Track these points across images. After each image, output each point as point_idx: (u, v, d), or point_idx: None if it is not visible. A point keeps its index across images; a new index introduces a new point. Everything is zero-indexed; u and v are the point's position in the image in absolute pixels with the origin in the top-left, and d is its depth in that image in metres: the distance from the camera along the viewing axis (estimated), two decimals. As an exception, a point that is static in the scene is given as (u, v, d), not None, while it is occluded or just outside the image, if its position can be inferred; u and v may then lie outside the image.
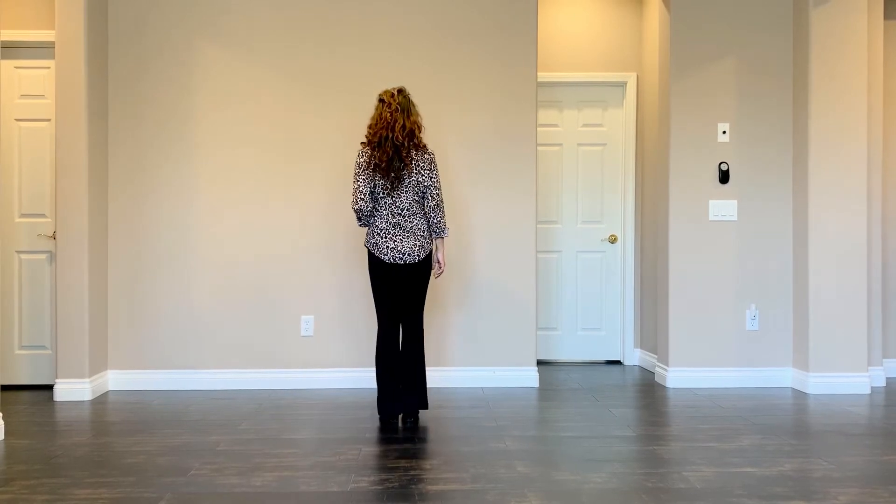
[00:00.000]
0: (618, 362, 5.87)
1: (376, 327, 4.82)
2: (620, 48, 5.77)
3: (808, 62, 4.72)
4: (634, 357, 5.81)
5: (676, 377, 4.88)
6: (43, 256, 4.80)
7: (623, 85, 5.80)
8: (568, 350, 5.87)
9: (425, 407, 3.94)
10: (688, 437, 3.63)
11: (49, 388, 4.75)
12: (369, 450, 3.41)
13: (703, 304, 4.89)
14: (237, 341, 4.82)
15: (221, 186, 4.82)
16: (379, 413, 3.89)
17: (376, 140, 3.74)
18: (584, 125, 5.84)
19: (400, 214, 3.79)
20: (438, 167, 4.84)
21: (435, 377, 4.86)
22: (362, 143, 3.81)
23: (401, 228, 3.80)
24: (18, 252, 4.80)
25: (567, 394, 4.69)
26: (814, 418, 4.05)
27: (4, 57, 4.71)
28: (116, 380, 4.79)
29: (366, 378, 4.82)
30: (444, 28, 4.88)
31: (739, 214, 4.89)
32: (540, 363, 5.71)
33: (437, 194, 3.82)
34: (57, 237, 4.52)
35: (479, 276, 4.89)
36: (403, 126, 3.74)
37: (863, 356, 4.71)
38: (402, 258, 3.81)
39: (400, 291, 3.89)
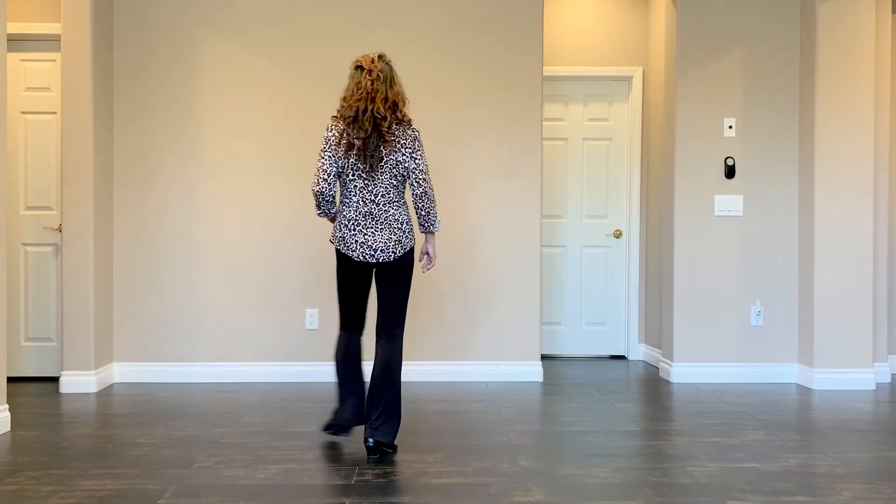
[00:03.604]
0: (622, 357, 5.86)
1: (369, 321, 4.83)
2: (626, 42, 5.75)
3: (814, 56, 4.69)
4: (639, 352, 5.81)
5: (681, 372, 4.88)
6: (48, 249, 4.81)
7: (629, 79, 5.78)
8: (572, 345, 5.87)
9: (391, 441, 3.23)
10: (692, 433, 3.63)
11: (55, 380, 4.77)
12: (373, 443, 3.42)
13: (707, 300, 4.88)
14: (242, 334, 4.83)
15: (226, 178, 4.83)
16: (334, 421, 3.42)
17: (352, 114, 3.14)
18: (590, 119, 5.82)
19: (373, 202, 3.19)
20: (446, 163, 4.84)
21: (439, 371, 4.86)
22: (333, 116, 3.23)
23: (373, 219, 3.20)
24: (24, 244, 4.81)
25: (571, 388, 4.69)
26: (818, 414, 4.04)
27: (10, 50, 4.72)
28: (121, 372, 4.80)
29: (369, 372, 4.81)
30: (449, 20, 4.86)
31: (745, 210, 4.88)
32: (544, 358, 5.71)
33: (425, 179, 3.20)
34: (62, 229, 4.53)
35: (483, 270, 4.89)
36: (386, 97, 3.15)
37: (868, 352, 4.70)
38: (373, 255, 3.21)
39: (368, 292, 3.36)
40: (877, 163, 4.88)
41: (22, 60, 4.78)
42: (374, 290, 3.38)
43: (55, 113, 4.79)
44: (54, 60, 4.77)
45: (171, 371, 4.81)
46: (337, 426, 3.41)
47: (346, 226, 3.23)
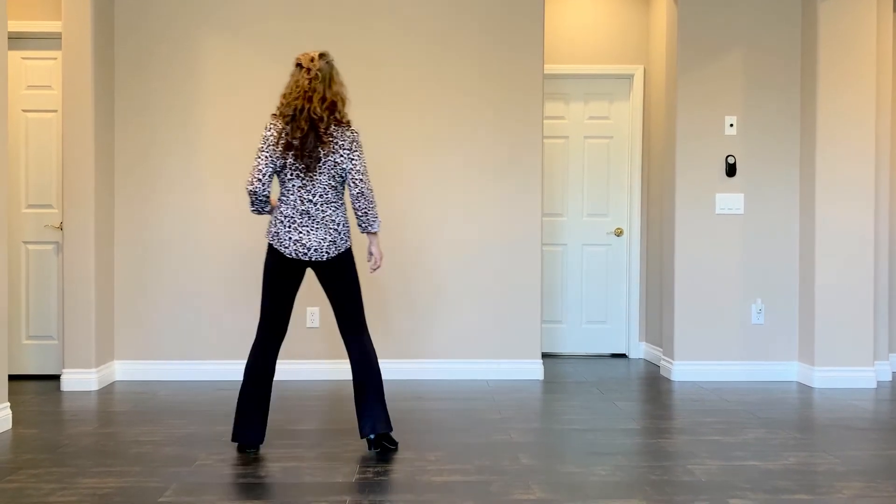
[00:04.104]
0: (623, 355, 5.87)
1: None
2: (627, 40, 5.75)
3: (815, 55, 4.69)
4: (639, 350, 5.81)
5: (681, 370, 4.88)
6: (50, 247, 4.82)
7: (630, 77, 5.78)
8: (573, 343, 5.87)
9: (390, 429, 3.28)
10: (692, 431, 3.63)
11: (56, 378, 4.78)
12: (374, 441, 3.42)
13: (708, 298, 4.88)
14: (243, 332, 4.83)
15: (227, 176, 4.83)
16: (234, 439, 3.25)
17: (290, 112, 3.14)
18: (591, 118, 5.82)
19: (311, 201, 3.19)
20: (446, 161, 4.83)
21: (440, 370, 4.87)
22: (273, 114, 3.21)
23: (310, 218, 3.20)
24: (25, 243, 4.81)
25: (572, 387, 4.70)
26: (819, 412, 4.04)
27: (11, 48, 4.72)
28: (123, 370, 4.81)
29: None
30: (451, 20, 4.86)
31: (746, 208, 4.88)
32: (545, 356, 5.71)
33: (362, 180, 3.19)
34: (63, 228, 4.53)
35: (483, 268, 4.89)
36: (323, 97, 3.15)
37: (868, 350, 4.70)
38: (306, 254, 3.20)
39: (294, 296, 3.30)
40: (878, 161, 4.88)
41: (23, 58, 4.78)
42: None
43: (56, 111, 4.79)
44: (55, 59, 4.77)
45: (172, 369, 4.81)
46: (248, 446, 3.27)
47: (283, 223, 3.21)
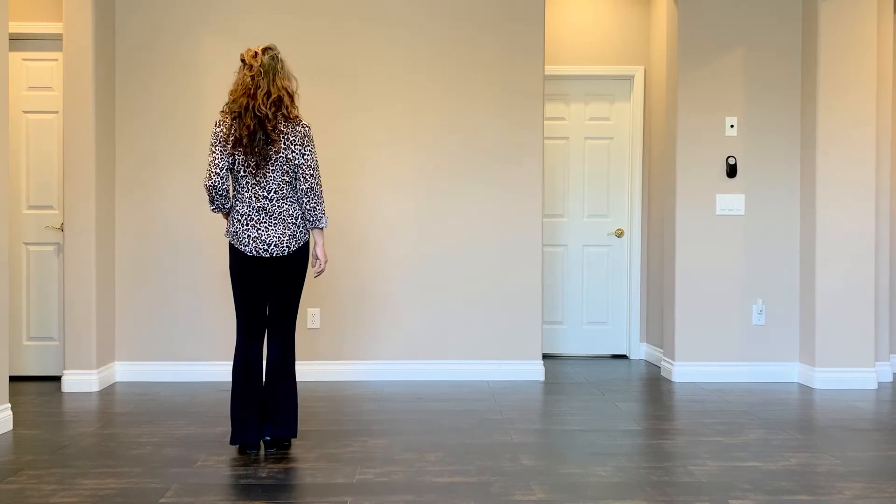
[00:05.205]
0: (623, 356, 5.86)
1: (371, 321, 4.85)
2: (628, 41, 5.75)
3: (816, 55, 4.69)
4: (640, 351, 5.81)
5: (682, 371, 4.88)
6: (50, 248, 4.82)
7: (630, 78, 5.78)
8: (573, 344, 5.87)
9: (294, 434, 3.30)
10: (693, 432, 3.63)
11: (57, 379, 4.78)
12: (375, 442, 3.43)
13: (709, 299, 4.88)
14: (243, 333, 4.83)
15: (228, 179, 4.83)
16: (232, 442, 3.23)
17: (237, 109, 3.12)
18: (591, 119, 5.82)
19: (266, 198, 3.17)
20: (449, 162, 4.83)
21: (440, 371, 4.87)
22: (222, 111, 3.19)
23: (267, 214, 3.18)
24: (26, 244, 4.81)
25: (572, 387, 4.70)
26: (819, 413, 4.04)
27: (12, 49, 4.72)
28: (123, 371, 4.81)
29: (372, 371, 4.84)
30: (451, 18, 4.86)
31: (747, 209, 4.88)
32: (545, 357, 5.71)
33: (311, 175, 3.18)
34: (64, 229, 4.54)
35: (483, 269, 4.89)
36: (268, 93, 3.12)
37: (869, 351, 4.70)
38: (266, 250, 3.18)
39: (267, 293, 3.28)
40: (878, 161, 4.88)
41: (24, 60, 4.79)
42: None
43: (57, 112, 4.79)
44: (56, 60, 4.78)
45: (172, 370, 4.81)
46: (248, 447, 3.26)
47: (240, 221, 3.20)
